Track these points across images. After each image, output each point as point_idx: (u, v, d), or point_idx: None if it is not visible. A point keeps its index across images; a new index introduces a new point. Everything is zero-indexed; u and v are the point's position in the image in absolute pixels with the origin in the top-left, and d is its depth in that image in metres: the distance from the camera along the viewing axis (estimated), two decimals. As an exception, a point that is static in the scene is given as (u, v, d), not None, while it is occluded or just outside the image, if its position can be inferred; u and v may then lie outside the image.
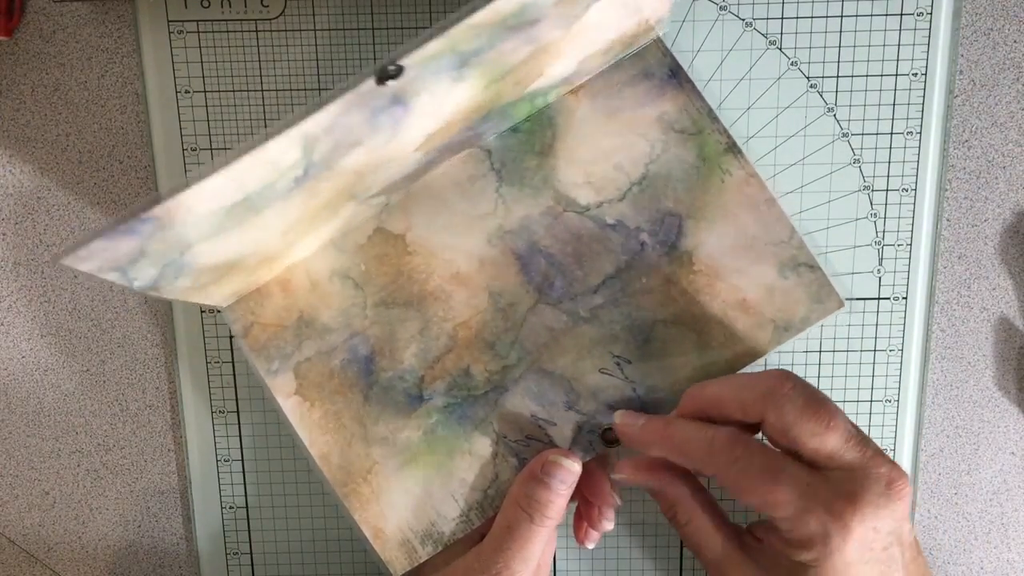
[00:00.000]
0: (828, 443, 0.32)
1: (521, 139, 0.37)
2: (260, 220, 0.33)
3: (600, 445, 0.37)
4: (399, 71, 0.29)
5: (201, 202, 0.30)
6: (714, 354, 0.36)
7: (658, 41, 0.37)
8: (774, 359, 0.43)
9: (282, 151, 0.30)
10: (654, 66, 0.37)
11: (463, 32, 0.29)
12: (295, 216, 0.34)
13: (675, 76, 0.37)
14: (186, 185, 0.29)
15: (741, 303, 0.36)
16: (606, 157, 0.37)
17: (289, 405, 0.38)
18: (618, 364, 0.37)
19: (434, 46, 0.29)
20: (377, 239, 0.38)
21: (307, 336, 0.38)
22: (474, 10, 0.28)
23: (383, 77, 0.29)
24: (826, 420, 0.32)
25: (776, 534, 0.33)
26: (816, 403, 0.32)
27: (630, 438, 0.36)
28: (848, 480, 0.31)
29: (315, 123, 0.29)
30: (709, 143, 0.37)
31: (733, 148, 0.36)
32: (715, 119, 0.36)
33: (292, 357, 0.38)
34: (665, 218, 0.37)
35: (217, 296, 0.37)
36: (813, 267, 0.36)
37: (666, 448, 0.35)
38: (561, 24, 0.32)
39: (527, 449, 0.37)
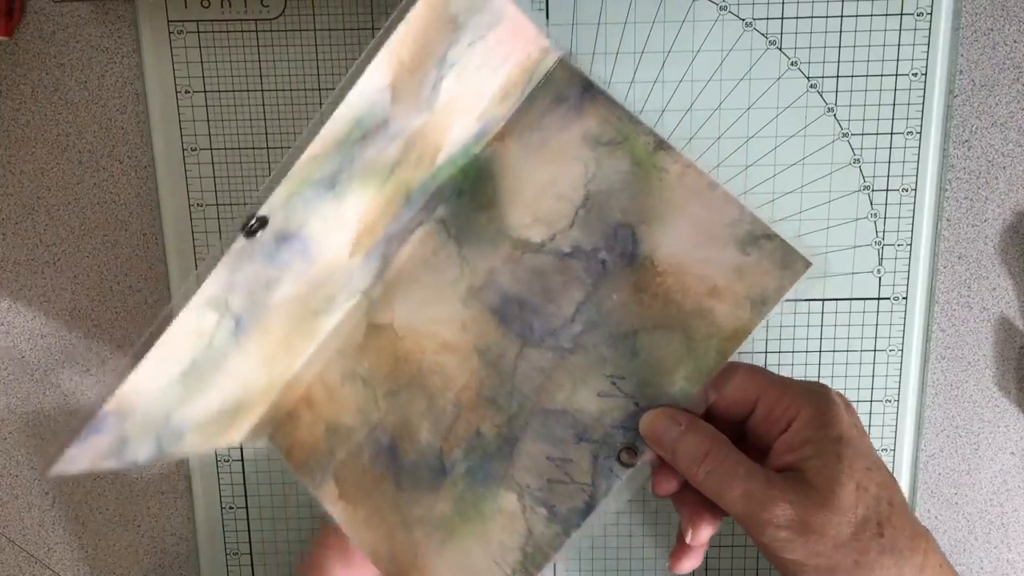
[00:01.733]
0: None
1: (467, 200, 0.38)
2: (225, 371, 0.34)
3: (620, 469, 0.37)
4: (263, 222, 0.30)
5: (147, 383, 0.31)
6: (702, 346, 0.36)
7: (561, 62, 0.37)
8: (774, 359, 0.43)
9: (194, 321, 0.31)
10: (565, 88, 0.37)
11: (308, 165, 0.30)
12: (263, 353, 0.35)
13: (588, 91, 0.37)
14: (121, 377, 0.30)
15: (713, 290, 0.36)
16: (546, 190, 0.37)
17: (338, 511, 0.39)
18: (614, 383, 0.37)
19: (283, 189, 0.30)
20: (371, 335, 0.39)
21: (337, 442, 0.40)
22: (306, 144, 0.29)
23: (250, 232, 0.30)
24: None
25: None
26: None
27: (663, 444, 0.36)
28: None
29: (210, 290, 0.30)
30: (638, 147, 0.36)
31: (662, 145, 0.36)
32: (637, 122, 0.36)
33: (329, 465, 0.40)
34: (617, 231, 0.37)
35: (240, 436, 0.39)
36: (771, 236, 0.35)
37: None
38: (416, 113, 0.33)
39: (551, 495, 0.37)
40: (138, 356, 0.30)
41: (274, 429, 0.40)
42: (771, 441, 0.34)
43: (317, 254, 0.34)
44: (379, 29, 0.40)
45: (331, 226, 0.33)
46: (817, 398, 0.34)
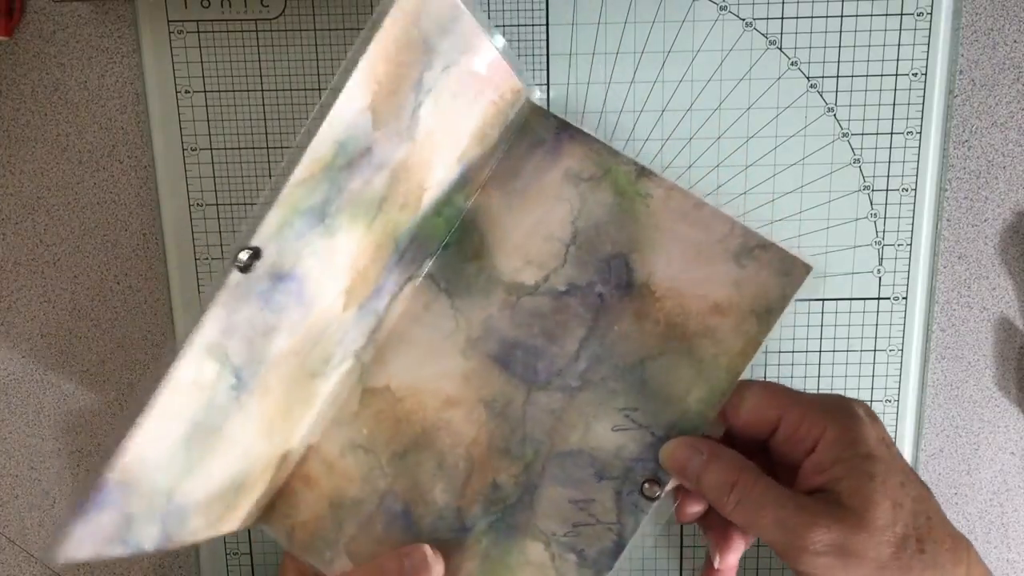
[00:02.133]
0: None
1: (454, 252, 0.38)
2: (227, 437, 0.34)
3: (644, 503, 0.36)
4: (257, 253, 0.30)
5: (151, 447, 0.31)
6: (712, 366, 0.36)
7: (533, 107, 0.37)
8: (774, 359, 0.43)
9: (194, 370, 0.31)
10: (541, 131, 0.37)
11: (295, 192, 0.30)
12: (263, 419, 0.35)
13: (564, 131, 0.37)
14: (125, 437, 0.30)
15: (715, 308, 0.36)
16: (534, 233, 0.37)
17: None
18: (627, 416, 0.36)
19: (274, 216, 0.30)
20: (368, 400, 0.38)
21: (344, 517, 0.38)
22: (290, 169, 0.30)
23: (244, 267, 0.30)
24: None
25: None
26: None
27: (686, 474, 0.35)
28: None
29: (207, 333, 0.31)
30: (619, 177, 0.37)
31: (643, 172, 0.36)
32: (615, 153, 0.37)
33: (339, 541, 0.38)
34: (610, 263, 0.37)
35: (243, 519, 0.38)
36: (766, 245, 0.35)
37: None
38: (398, 141, 0.33)
39: (579, 539, 0.37)
40: (140, 406, 0.30)
41: (271, 512, 0.39)
42: (798, 461, 0.34)
43: (312, 299, 0.34)
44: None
45: (325, 266, 0.33)
46: (841, 415, 0.33)
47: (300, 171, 0.30)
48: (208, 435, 0.33)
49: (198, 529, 0.35)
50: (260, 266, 0.31)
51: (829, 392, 0.40)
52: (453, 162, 0.36)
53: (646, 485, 0.36)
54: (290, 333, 0.34)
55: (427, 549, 0.36)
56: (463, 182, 0.37)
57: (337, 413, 0.39)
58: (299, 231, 0.32)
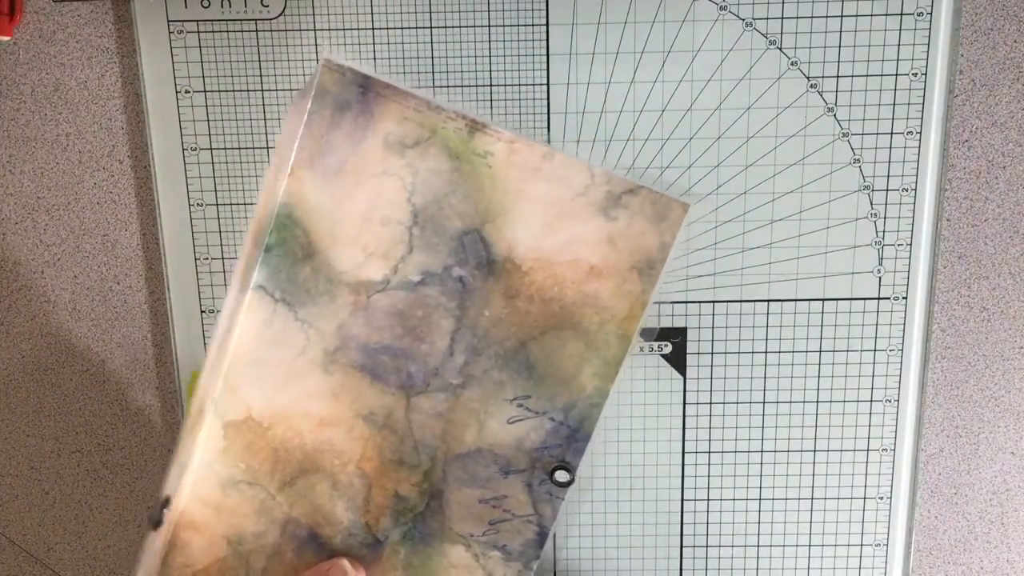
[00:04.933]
0: None
1: (279, 255, 0.34)
2: None
3: (558, 490, 0.35)
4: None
5: None
6: (600, 335, 0.33)
7: (325, 65, 0.32)
8: (774, 359, 0.43)
9: None
10: (341, 93, 0.32)
11: None
12: None
13: (369, 89, 0.32)
14: None
15: (590, 271, 0.32)
16: (367, 218, 0.33)
17: None
18: (520, 405, 0.34)
19: None
20: (232, 433, 0.35)
21: (248, 551, 0.36)
22: None
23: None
24: None
25: None
26: None
27: None
28: None
29: None
30: (450, 137, 0.32)
31: (476, 126, 0.32)
32: (439, 108, 0.32)
33: None
34: (463, 240, 0.33)
35: None
36: (634, 190, 0.32)
37: None
38: None
39: (499, 536, 0.35)
40: None
41: (167, 571, 0.36)
42: None
43: None
44: (379, 29, 0.40)
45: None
46: None
47: None
48: None
49: None
50: None
51: None
52: None
53: (557, 472, 0.34)
54: None
55: (345, 562, 0.35)
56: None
57: (203, 456, 0.35)
58: None
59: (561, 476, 0.34)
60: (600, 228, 0.32)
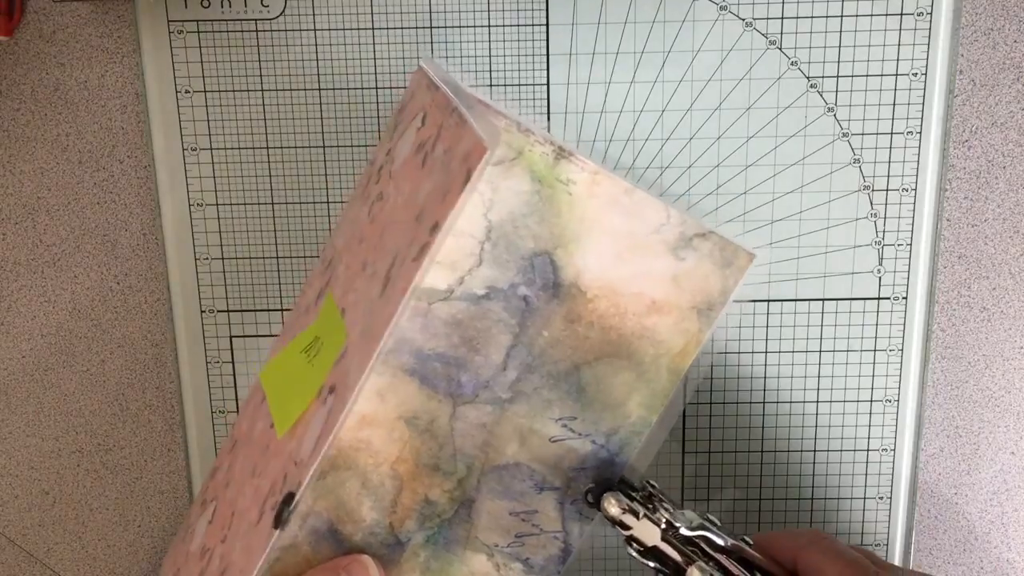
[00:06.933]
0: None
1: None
2: None
3: (589, 510, 0.35)
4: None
5: None
6: (652, 368, 0.33)
7: (420, 71, 0.32)
8: (774, 359, 0.43)
9: None
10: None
11: None
12: None
13: (459, 102, 0.32)
14: None
15: (652, 306, 0.33)
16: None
17: None
18: (565, 426, 0.34)
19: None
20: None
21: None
22: None
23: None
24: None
25: None
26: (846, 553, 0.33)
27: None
28: None
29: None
30: (536, 160, 0.32)
31: (563, 153, 0.32)
32: (528, 132, 0.32)
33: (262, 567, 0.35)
34: (533, 261, 0.33)
35: None
36: (705, 234, 0.32)
37: None
38: None
39: (523, 549, 0.35)
40: None
41: None
42: None
43: None
44: (379, 29, 0.40)
45: None
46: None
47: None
48: None
49: None
50: None
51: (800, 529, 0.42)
52: None
53: (590, 493, 0.34)
54: None
55: (367, 559, 0.34)
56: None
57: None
58: None
59: (594, 498, 0.34)
60: (668, 266, 0.33)
